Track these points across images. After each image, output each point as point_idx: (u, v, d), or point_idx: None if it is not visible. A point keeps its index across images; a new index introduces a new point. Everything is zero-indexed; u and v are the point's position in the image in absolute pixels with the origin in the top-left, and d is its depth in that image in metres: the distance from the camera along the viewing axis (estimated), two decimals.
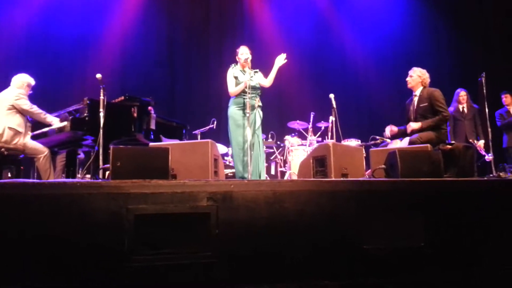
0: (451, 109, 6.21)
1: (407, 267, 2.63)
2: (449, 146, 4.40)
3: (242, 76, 4.58)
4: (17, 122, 4.47)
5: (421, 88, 4.65)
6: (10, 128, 4.40)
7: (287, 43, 8.50)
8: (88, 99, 4.37)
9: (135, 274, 2.28)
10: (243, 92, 4.46)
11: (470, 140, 5.84)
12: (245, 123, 4.42)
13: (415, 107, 4.64)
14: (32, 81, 4.77)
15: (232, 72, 4.65)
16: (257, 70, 4.75)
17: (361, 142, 6.10)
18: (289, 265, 2.48)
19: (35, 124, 4.78)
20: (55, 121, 4.56)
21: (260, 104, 4.64)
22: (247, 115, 4.32)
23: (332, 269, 2.53)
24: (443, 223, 2.73)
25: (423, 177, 2.92)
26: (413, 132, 4.42)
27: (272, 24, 8.59)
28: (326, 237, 2.55)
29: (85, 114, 4.35)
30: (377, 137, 5.66)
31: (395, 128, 4.74)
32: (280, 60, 4.63)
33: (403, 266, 2.62)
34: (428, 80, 4.68)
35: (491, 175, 4.78)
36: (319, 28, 8.71)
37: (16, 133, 4.42)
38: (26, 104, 4.52)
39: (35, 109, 4.55)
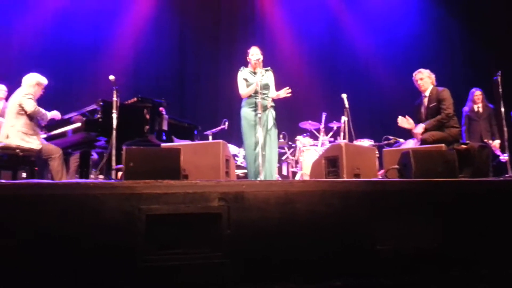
0: (466, 109, 6.13)
1: (420, 268, 2.59)
2: (464, 146, 4.35)
3: (252, 77, 4.58)
4: (25, 124, 4.41)
5: (430, 87, 4.64)
6: (18, 131, 4.37)
7: (298, 43, 8.49)
8: (102, 100, 4.41)
9: (147, 274, 2.28)
10: (255, 92, 4.47)
11: (485, 140, 5.74)
12: (257, 123, 4.42)
13: (425, 108, 4.62)
14: (43, 80, 4.68)
15: (242, 74, 4.66)
16: (269, 68, 4.74)
17: (374, 142, 6.05)
18: (301, 265, 2.46)
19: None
20: (50, 114, 4.61)
21: (273, 104, 4.64)
22: (259, 115, 4.31)
23: (345, 270, 2.51)
24: (457, 224, 2.69)
25: (437, 178, 2.88)
26: (424, 140, 4.37)
27: (283, 24, 8.57)
28: (338, 237, 2.53)
29: (99, 116, 4.39)
30: (390, 137, 5.60)
31: (411, 121, 4.65)
32: (284, 93, 4.55)
33: (416, 267, 2.59)
34: (434, 79, 4.69)
35: (506, 175, 4.70)
36: (330, 28, 8.66)
37: (25, 136, 4.38)
38: (30, 106, 4.40)
39: (39, 110, 4.48)
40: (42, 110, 4.54)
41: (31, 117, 4.47)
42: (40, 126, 4.66)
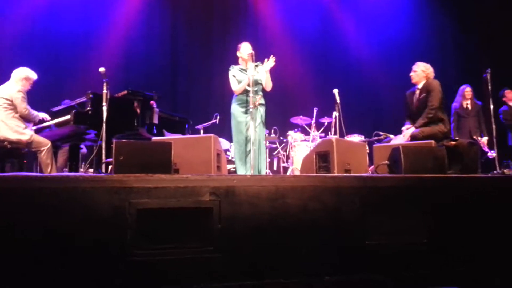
0: (455, 105, 6.19)
1: (409, 263, 2.62)
2: (453, 143, 4.40)
3: (241, 75, 4.57)
4: (17, 118, 4.42)
5: (424, 82, 4.67)
6: (8, 124, 4.34)
7: (290, 38, 8.48)
8: (91, 93, 4.36)
9: (137, 268, 2.28)
10: (246, 89, 4.46)
11: (474, 137, 5.81)
12: (246, 120, 4.42)
13: (417, 100, 4.67)
14: (32, 75, 4.66)
15: (231, 73, 4.64)
16: (258, 63, 4.70)
17: (365, 138, 6.08)
18: (291, 260, 2.48)
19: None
20: (42, 115, 4.65)
21: (263, 102, 4.62)
22: (250, 110, 4.30)
23: (334, 264, 2.53)
24: (446, 220, 2.72)
25: (426, 174, 2.91)
26: (414, 136, 4.39)
27: (275, 20, 8.55)
28: (328, 232, 2.55)
29: (88, 108, 4.35)
30: (381, 133, 5.64)
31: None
32: (269, 64, 4.50)
33: (405, 262, 2.62)
34: (432, 75, 4.71)
35: (495, 171, 4.76)
36: (323, 24, 8.66)
37: (20, 127, 4.38)
38: (23, 108, 4.44)
39: (30, 113, 4.52)
40: (34, 112, 4.56)
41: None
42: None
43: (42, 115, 4.67)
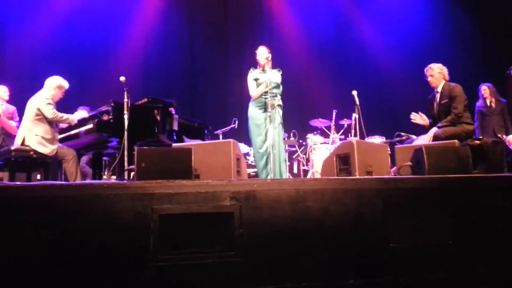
0: (478, 104, 6.06)
1: (434, 265, 2.57)
2: (477, 142, 4.30)
3: (263, 76, 4.59)
4: (44, 129, 4.42)
5: (443, 83, 4.59)
6: (36, 135, 4.37)
7: (307, 40, 8.47)
8: (113, 101, 4.44)
9: (160, 273, 2.30)
10: (264, 92, 4.49)
11: (499, 135, 5.67)
12: (265, 122, 4.43)
13: (437, 104, 4.59)
14: (65, 84, 4.70)
15: (252, 75, 4.67)
16: (279, 69, 4.76)
17: (386, 139, 6.00)
18: (314, 264, 2.46)
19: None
20: (77, 116, 4.63)
21: (280, 103, 4.64)
22: (269, 113, 4.31)
23: (358, 267, 2.49)
24: (471, 221, 2.65)
25: (451, 174, 2.85)
26: (437, 136, 4.32)
27: (292, 22, 8.56)
28: (351, 235, 2.52)
29: (110, 116, 4.42)
30: (402, 133, 5.55)
31: (425, 118, 4.65)
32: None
33: (430, 265, 2.57)
34: (447, 73, 4.63)
35: None
36: (339, 25, 8.62)
37: (43, 140, 4.39)
38: (49, 112, 4.42)
39: (59, 116, 4.49)
40: (64, 115, 4.54)
41: (51, 122, 4.49)
42: (58, 130, 4.69)
43: (79, 115, 4.66)
